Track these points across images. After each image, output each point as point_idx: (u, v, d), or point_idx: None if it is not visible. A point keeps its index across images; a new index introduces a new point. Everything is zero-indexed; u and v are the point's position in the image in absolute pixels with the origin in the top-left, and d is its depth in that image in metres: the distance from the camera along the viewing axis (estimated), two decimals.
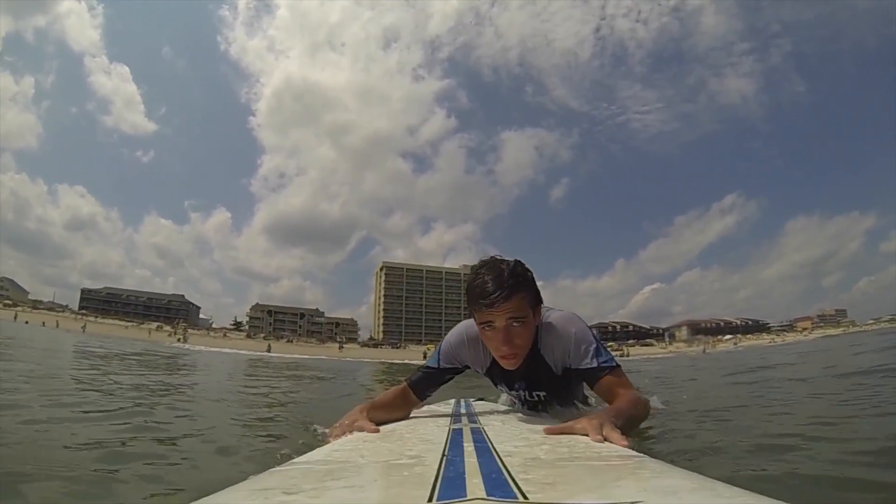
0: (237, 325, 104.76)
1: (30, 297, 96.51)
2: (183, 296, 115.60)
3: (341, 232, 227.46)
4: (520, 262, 1.79)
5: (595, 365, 1.81)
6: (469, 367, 2.12)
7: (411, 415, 2.01)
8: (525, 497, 0.67)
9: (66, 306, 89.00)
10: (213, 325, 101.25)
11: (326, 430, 1.75)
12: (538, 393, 2.10)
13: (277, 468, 0.99)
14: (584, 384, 2.07)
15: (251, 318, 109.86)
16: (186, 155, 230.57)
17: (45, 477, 1.48)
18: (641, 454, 1.03)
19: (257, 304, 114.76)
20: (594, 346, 1.83)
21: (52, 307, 79.65)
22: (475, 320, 1.78)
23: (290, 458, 1.15)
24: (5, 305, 59.22)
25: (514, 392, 2.18)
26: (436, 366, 2.07)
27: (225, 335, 71.09)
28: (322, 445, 1.33)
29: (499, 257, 1.79)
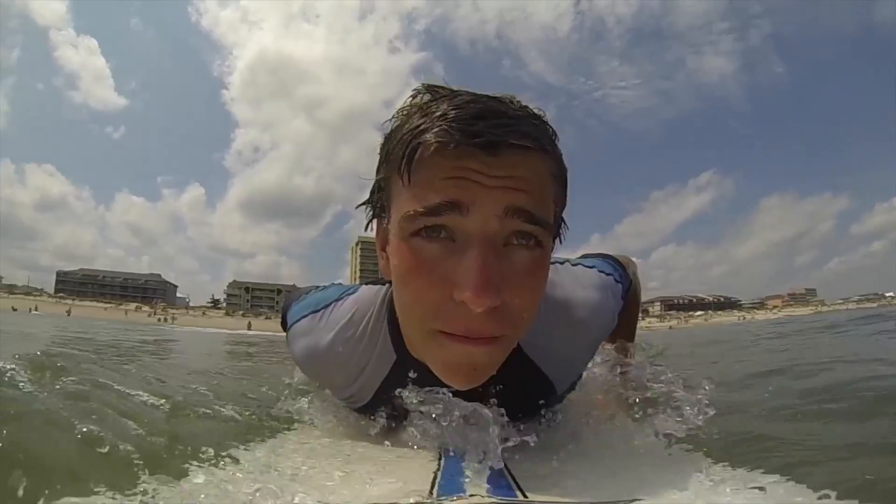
0: (215, 303, 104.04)
1: (3, 281, 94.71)
2: (159, 275, 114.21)
3: (316, 206, 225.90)
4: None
5: (621, 295, 1.11)
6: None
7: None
8: (525, 495, 0.65)
9: (42, 290, 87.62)
10: (191, 304, 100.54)
11: None
12: None
13: (276, 459, 0.91)
14: None
15: (228, 295, 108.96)
16: (158, 130, 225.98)
17: None
18: (650, 445, 0.91)
19: (234, 280, 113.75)
20: (607, 280, 1.06)
21: (28, 291, 78.34)
22: (389, 219, 0.79)
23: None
24: None
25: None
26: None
27: (204, 314, 70.76)
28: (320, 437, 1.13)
29: None
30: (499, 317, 0.69)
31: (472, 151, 0.67)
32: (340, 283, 1.14)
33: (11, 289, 78.99)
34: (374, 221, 0.87)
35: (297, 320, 1.06)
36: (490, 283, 0.66)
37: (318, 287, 1.14)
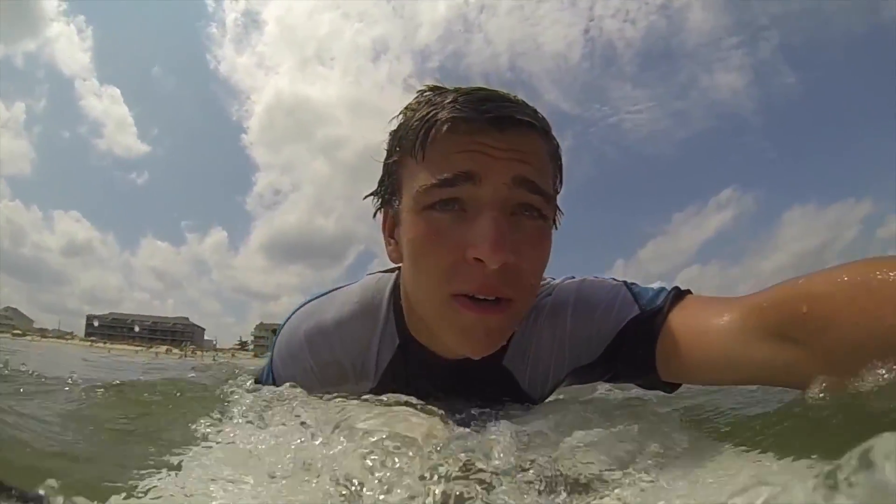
0: (243, 346, 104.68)
1: (35, 325, 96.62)
2: (187, 318, 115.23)
3: (338, 247, 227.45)
4: None
5: (636, 312, 0.87)
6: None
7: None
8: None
9: (73, 333, 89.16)
10: (218, 346, 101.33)
11: None
12: None
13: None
14: None
15: (255, 337, 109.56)
16: (181, 175, 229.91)
17: None
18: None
19: (261, 323, 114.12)
20: (624, 291, 0.92)
21: (60, 335, 79.75)
22: (401, 199, 0.85)
23: None
24: (14, 335, 59.00)
25: None
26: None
27: (233, 355, 71.17)
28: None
29: None
30: (510, 277, 0.75)
31: (482, 128, 0.75)
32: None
33: (44, 332, 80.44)
34: (381, 211, 0.93)
35: (297, 309, 1.05)
36: (503, 240, 0.72)
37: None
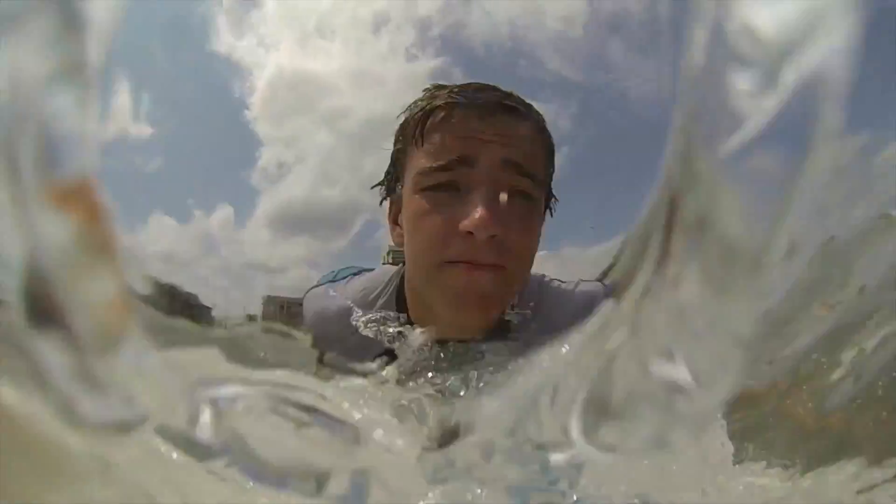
0: (250, 319, 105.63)
1: None
2: (196, 297, 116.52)
3: (344, 216, 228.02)
4: None
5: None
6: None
7: None
8: None
9: None
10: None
11: None
12: None
13: None
14: None
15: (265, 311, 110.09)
16: (185, 155, 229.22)
17: None
18: None
19: (268, 296, 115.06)
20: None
21: None
22: (403, 184, 0.89)
23: None
24: None
25: None
26: None
27: None
28: None
29: None
30: (500, 247, 0.77)
31: (475, 114, 0.80)
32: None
33: None
34: (387, 201, 0.96)
35: (314, 287, 1.08)
36: (493, 213, 0.75)
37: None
